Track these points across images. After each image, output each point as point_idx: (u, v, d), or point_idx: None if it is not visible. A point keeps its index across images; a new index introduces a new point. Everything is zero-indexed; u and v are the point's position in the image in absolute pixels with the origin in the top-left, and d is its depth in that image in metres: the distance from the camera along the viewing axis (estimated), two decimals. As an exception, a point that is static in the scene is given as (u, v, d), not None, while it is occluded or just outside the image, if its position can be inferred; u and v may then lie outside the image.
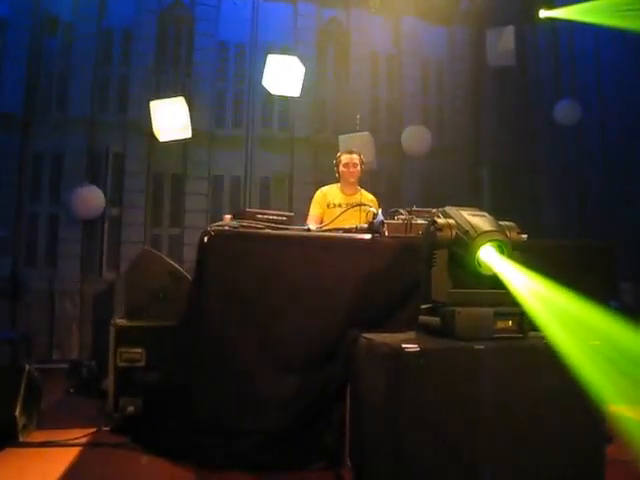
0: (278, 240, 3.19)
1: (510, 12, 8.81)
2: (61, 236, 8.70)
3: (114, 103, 9.24)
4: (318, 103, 9.89)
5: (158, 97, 7.48)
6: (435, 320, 2.42)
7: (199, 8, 9.56)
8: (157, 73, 9.35)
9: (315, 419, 2.95)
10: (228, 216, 3.72)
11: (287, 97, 8.02)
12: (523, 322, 2.35)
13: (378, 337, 2.43)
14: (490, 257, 2.30)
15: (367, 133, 8.33)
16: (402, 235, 3.23)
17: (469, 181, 10.07)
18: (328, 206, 4.75)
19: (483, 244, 2.29)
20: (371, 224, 3.34)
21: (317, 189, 5.02)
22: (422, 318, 2.56)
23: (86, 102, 8.96)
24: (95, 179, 8.75)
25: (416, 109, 10.14)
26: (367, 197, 4.78)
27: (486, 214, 2.49)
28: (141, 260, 4.40)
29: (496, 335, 2.31)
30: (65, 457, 3.00)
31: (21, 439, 3.21)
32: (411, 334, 2.55)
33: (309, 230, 3.57)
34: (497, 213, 2.51)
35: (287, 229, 3.47)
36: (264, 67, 7.20)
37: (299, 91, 7.38)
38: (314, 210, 4.81)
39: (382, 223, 3.24)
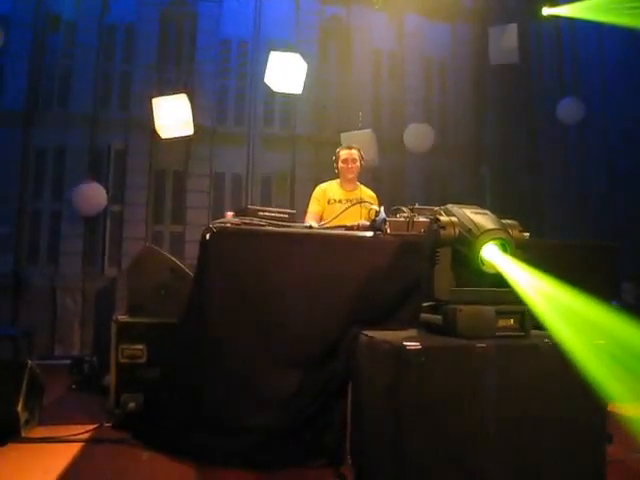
0: (280, 237, 3.19)
1: (513, 10, 8.80)
2: (63, 233, 8.72)
3: (116, 100, 9.25)
4: (320, 100, 9.88)
5: (160, 94, 7.48)
6: (437, 318, 2.41)
7: (201, 5, 9.56)
8: (159, 70, 9.35)
9: (316, 417, 2.95)
10: (230, 213, 3.73)
11: (289, 94, 8.00)
12: (525, 320, 2.35)
13: (379, 335, 2.43)
14: (493, 255, 2.29)
15: (369, 131, 8.32)
16: (404, 233, 3.22)
17: (471, 179, 10.07)
18: (328, 202, 4.71)
19: (486, 242, 2.29)
20: (373, 222, 3.33)
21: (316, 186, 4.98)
22: (424, 316, 2.56)
23: (88, 99, 8.97)
24: (97, 176, 8.76)
25: (418, 107, 10.13)
26: (366, 193, 4.76)
27: (488, 212, 2.49)
28: (143, 257, 4.40)
29: (498, 333, 2.31)
30: (67, 453, 3.01)
31: (23, 434, 3.22)
32: (412, 332, 2.55)
33: (311, 228, 3.56)
34: (499, 211, 2.51)
35: (289, 227, 3.46)
36: (266, 64, 7.19)
37: (301, 88, 7.37)
38: (313, 207, 4.75)
39: (384, 221, 3.23)
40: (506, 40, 8.35)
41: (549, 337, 2.31)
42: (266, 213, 3.55)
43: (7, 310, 8.17)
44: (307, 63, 7.33)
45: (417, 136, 9.27)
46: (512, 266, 2.29)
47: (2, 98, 8.67)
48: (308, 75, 7.39)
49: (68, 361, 5.89)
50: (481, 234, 2.29)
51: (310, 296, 3.06)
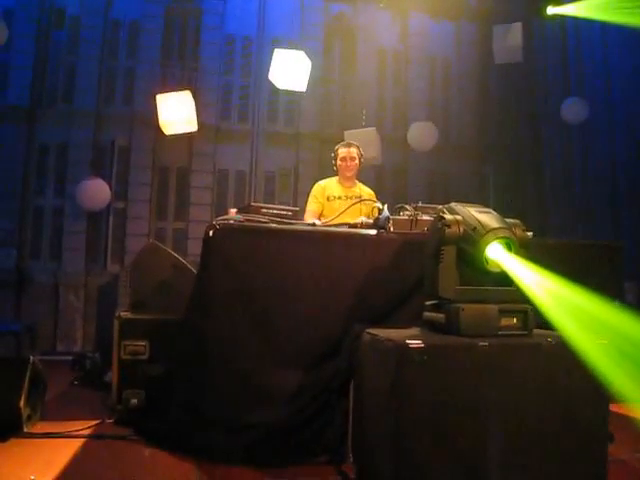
0: (283, 235, 3.18)
1: (518, 9, 8.76)
2: (66, 229, 8.74)
3: (120, 96, 9.26)
4: (324, 98, 9.88)
5: (164, 90, 7.47)
6: (440, 316, 2.41)
7: (206, 1, 9.57)
8: (163, 66, 9.36)
9: (318, 414, 2.95)
10: (233, 210, 3.72)
11: (293, 92, 7.99)
12: (527, 319, 2.34)
13: (382, 333, 2.42)
14: (498, 254, 2.29)
15: (373, 129, 8.31)
16: (407, 231, 3.21)
17: (474, 178, 10.05)
18: (328, 199, 4.67)
19: (492, 241, 2.28)
20: (377, 220, 3.33)
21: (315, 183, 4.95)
22: (427, 314, 2.55)
23: (92, 95, 8.98)
24: (100, 172, 8.77)
25: (422, 105, 10.12)
26: (365, 190, 4.75)
27: (492, 211, 2.48)
28: (146, 253, 4.40)
29: (500, 332, 2.31)
30: (69, 448, 3.01)
31: (25, 430, 3.22)
32: (415, 330, 2.54)
33: (314, 225, 3.56)
34: (502, 210, 2.50)
35: (292, 224, 3.46)
36: (271, 61, 7.19)
37: (305, 86, 7.36)
38: (312, 206, 4.69)
39: (387, 219, 3.23)
40: (510, 39, 8.32)
41: (552, 336, 2.31)
42: (269, 210, 3.55)
43: (10, 306, 8.20)
44: (311, 61, 7.32)
45: (421, 134, 9.26)
46: (517, 265, 2.29)
47: (6, 94, 8.70)
48: (312, 73, 7.38)
49: (70, 357, 5.91)
50: (486, 233, 2.28)
51: (312, 293, 3.06)
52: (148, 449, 3.06)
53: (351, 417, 2.79)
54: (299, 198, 8.98)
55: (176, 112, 7.12)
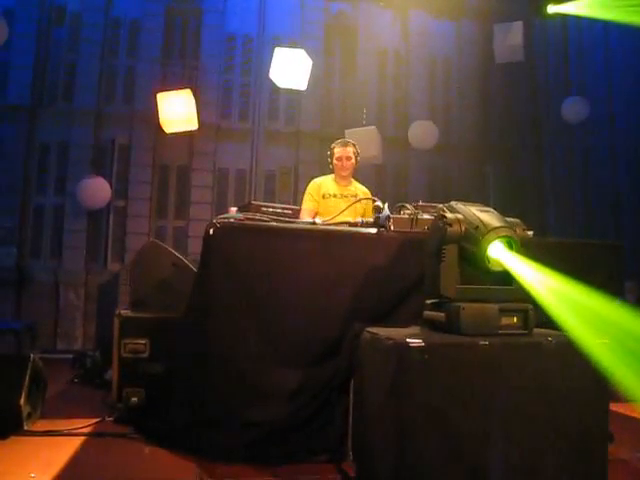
0: (284, 233, 3.18)
1: (519, 7, 8.75)
2: (66, 227, 8.75)
3: (121, 94, 9.26)
4: (325, 97, 9.87)
5: (165, 88, 7.48)
6: (440, 315, 2.41)
7: (206, 0, 9.54)
8: (164, 64, 9.36)
9: (318, 413, 2.95)
10: (234, 209, 3.72)
11: (294, 90, 7.99)
12: (528, 319, 2.34)
13: (383, 331, 2.42)
14: (500, 253, 2.29)
15: (374, 127, 8.31)
16: (408, 230, 3.21)
17: (475, 177, 10.05)
18: (323, 197, 4.66)
19: (493, 240, 2.28)
20: (377, 218, 3.32)
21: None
22: (427, 313, 2.55)
23: (93, 93, 8.98)
24: (101, 170, 8.77)
25: (423, 104, 10.12)
26: (361, 189, 4.74)
27: (492, 210, 2.48)
28: (146, 251, 4.40)
29: (501, 331, 2.31)
30: (69, 446, 3.02)
31: (25, 428, 3.23)
32: (416, 329, 2.54)
33: (314, 224, 3.55)
34: (502, 209, 2.50)
35: (293, 222, 3.46)
36: (271, 60, 7.18)
37: (306, 85, 7.36)
38: (307, 204, 4.67)
39: (388, 218, 3.23)
40: (511, 38, 8.32)
41: (553, 335, 2.31)
42: (270, 209, 3.55)
43: (10, 304, 8.20)
44: (312, 59, 7.32)
45: (421, 133, 9.26)
46: (519, 264, 2.29)
47: (6, 93, 8.70)
48: (313, 71, 7.38)
49: (71, 355, 5.90)
50: (488, 231, 2.28)
51: (313, 292, 3.06)
52: (148, 447, 3.07)
53: (351, 416, 2.79)
54: (299, 197, 8.92)
55: (176, 111, 7.12)
